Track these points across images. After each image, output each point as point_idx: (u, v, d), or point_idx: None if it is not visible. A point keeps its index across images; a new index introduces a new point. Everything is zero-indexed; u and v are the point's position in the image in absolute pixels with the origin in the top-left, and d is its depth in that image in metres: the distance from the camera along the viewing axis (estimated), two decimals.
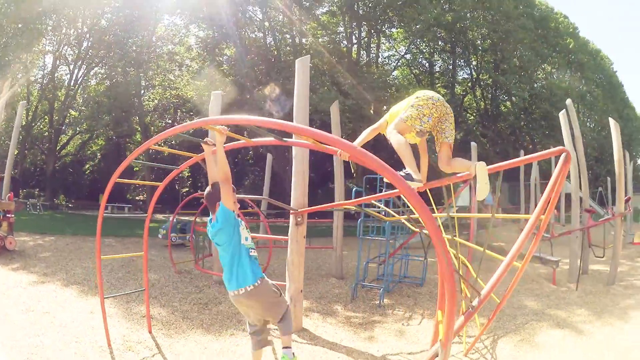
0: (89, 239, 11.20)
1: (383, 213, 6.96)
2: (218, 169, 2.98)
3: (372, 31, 26.24)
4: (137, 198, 32.73)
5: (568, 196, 17.31)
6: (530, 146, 26.61)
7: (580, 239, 8.44)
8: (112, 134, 26.37)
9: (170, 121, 29.97)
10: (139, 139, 29.32)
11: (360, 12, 24.47)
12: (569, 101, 9.02)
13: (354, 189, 8.22)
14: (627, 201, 8.27)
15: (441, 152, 3.02)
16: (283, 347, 3.14)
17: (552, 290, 7.55)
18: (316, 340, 4.87)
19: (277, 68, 20.87)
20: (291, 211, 5.40)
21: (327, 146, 3.30)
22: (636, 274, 9.11)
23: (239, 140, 3.30)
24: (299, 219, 5.43)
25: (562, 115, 8.75)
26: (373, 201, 6.69)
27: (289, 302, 5.21)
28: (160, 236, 10.93)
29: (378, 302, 6.60)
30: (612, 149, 8.10)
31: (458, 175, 3.22)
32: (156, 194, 4.47)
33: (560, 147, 2.81)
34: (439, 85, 28.65)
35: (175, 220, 9.79)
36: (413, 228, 6.00)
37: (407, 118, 2.88)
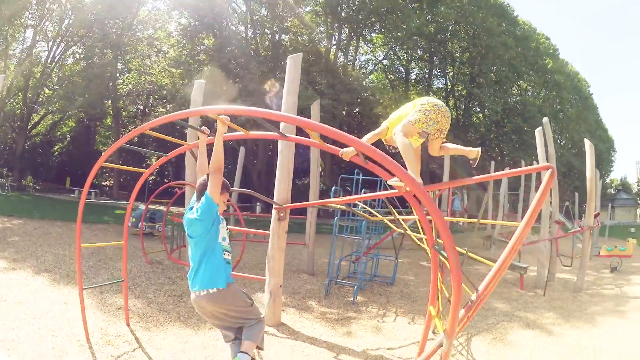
0: (57, 224, 10.75)
1: (365, 212, 7.05)
2: (212, 159, 2.75)
3: (353, 34, 26.47)
4: (103, 184, 31.71)
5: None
6: (499, 157, 27.39)
7: (549, 248, 8.83)
8: (83, 116, 25.48)
9: (141, 107, 29.22)
10: (110, 123, 28.41)
11: (343, 14, 24.64)
12: (545, 119, 9.40)
13: (333, 188, 8.30)
14: (596, 216, 8.75)
15: (434, 144, 3.26)
16: (240, 350, 2.83)
17: (520, 295, 7.86)
18: (296, 335, 4.88)
19: (255, 62, 20.75)
20: (275, 206, 5.38)
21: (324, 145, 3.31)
22: (602, 283, 9.58)
23: (238, 131, 3.24)
24: (281, 214, 5.42)
25: (538, 132, 9.12)
26: (357, 201, 6.76)
27: (268, 297, 5.22)
28: (129, 224, 10.55)
29: (352, 299, 6.70)
30: (580, 166, 8.52)
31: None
32: (140, 181, 4.33)
33: (547, 164, 3.01)
34: (413, 92, 29.05)
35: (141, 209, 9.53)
36: (395, 228, 6.11)
37: (415, 121, 3.04)
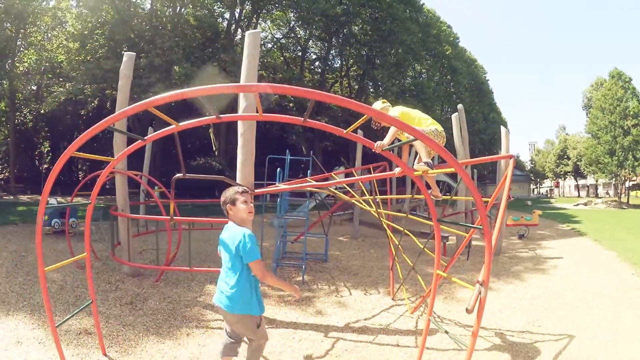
0: None
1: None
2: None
3: (257, 10, 25.83)
4: None
5: (444, 184, 20.20)
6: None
7: (469, 219, 10.07)
8: None
9: (35, 87, 25.44)
10: (4, 107, 24.30)
11: None
12: (460, 106, 10.50)
13: (278, 170, 8.23)
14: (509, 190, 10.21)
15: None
16: None
17: (445, 260, 8.78)
18: (276, 323, 4.83)
19: (159, 37, 19.14)
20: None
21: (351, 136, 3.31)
22: (515, 248, 11.09)
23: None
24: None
25: (454, 117, 10.13)
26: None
27: None
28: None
29: (300, 279, 6.86)
30: (473, 146, 9.55)
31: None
32: (105, 172, 3.77)
33: (509, 154, 3.61)
34: (307, 73, 29.30)
35: (55, 203, 8.29)
36: (366, 207, 6.30)
37: (429, 133, 3.61)
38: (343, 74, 30.87)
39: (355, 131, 3.23)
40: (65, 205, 4.69)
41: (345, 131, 3.01)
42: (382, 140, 3.57)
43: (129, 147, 3.62)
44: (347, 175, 11.07)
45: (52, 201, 9.65)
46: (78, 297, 5.38)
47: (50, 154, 27.00)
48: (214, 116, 2.92)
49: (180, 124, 3.19)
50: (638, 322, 4.96)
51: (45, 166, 25.47)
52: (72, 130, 25.59)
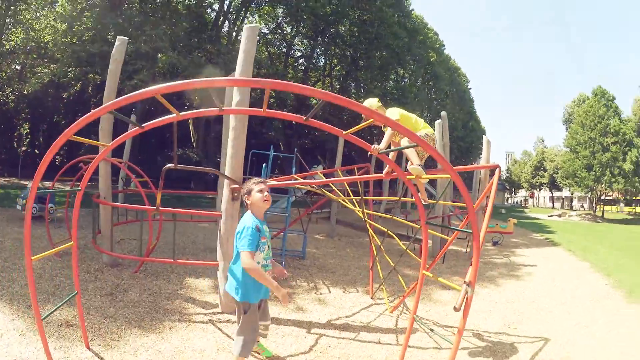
0: None
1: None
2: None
3: (246, 3, 25.64)
4: None
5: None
6: (369, 137, 29.10)
7: (446, 223, 10.30)
8: None
9: (18, 67, 24.60)
10: None
11: None
12: (443, 113, 10.74)
13: (264, 165, 8.23)
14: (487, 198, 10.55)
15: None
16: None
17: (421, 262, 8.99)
18: None
19: (149, 23, 18.67)
20: (232, 185, 5.16)
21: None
22: (489, 254, 11.27)
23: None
24: (235, 194, 5.22)
25: (437, 124, 10.35)
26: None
27: (223, 284, 5.03)
28: (19, 207, 8.77)
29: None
30: (451, 152, 9.64)
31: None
32: (98, 158, 3.70)
33: (495, 163, 3.72)
34: (291, 70, 29.20)
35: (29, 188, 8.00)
36: (348, 205, 6.38)
37: (422, 137, 3.61)
38: (326, 73, 30.89)
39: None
40: (46, 192, 4.52)
41: (344, 132, 3.08)
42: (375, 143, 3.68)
43: (125, 133, 3.57)
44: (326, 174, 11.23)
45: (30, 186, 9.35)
46: (57, 286, 5.23)
47: (30, 136, 26.07)
48: (217, 108, 2.93)
49: (181, 113, 3.18)
50: (612, 329, 5.22)
51: (24, 149, 24.52)
52: (52, 113, 24.81)
